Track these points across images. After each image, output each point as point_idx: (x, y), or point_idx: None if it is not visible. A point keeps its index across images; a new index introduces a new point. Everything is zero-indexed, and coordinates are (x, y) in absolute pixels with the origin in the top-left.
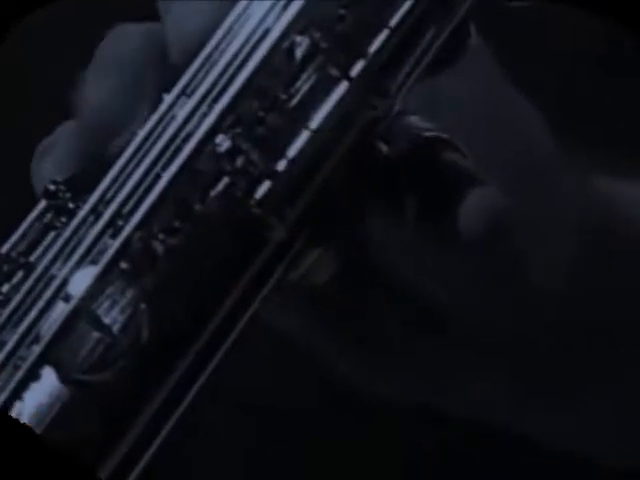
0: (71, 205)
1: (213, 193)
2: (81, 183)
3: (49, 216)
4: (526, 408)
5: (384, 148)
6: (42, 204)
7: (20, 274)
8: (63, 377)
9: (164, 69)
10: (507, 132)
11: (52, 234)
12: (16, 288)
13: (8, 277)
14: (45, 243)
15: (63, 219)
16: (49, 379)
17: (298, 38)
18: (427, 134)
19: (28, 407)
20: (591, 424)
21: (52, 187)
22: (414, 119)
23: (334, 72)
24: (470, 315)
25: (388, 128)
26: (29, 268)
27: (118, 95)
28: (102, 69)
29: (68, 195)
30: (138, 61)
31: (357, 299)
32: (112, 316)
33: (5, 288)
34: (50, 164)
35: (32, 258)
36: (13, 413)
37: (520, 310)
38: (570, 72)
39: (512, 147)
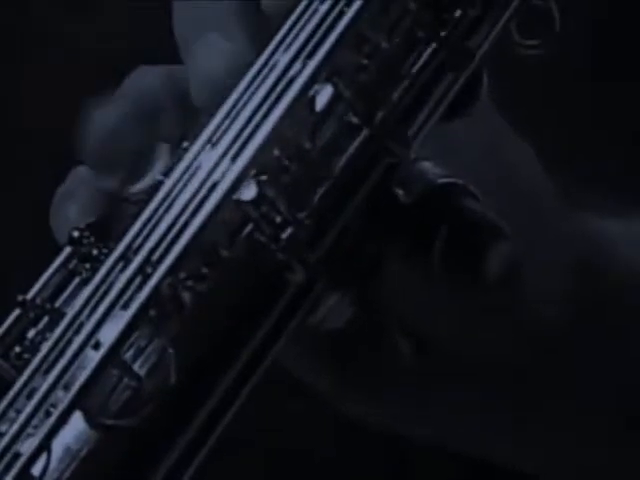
0: (95, 252)
1: (239, 239)
2: (104, 229)
3: (74, 262)
4: (518, 438)
5: (400, 193)
6: (66, 251)
7: (46, 320)
8: (91, 422)
9: (184, 112)
10: (512, 176)
11: (77, 280)
12: (42, 334)
13: (34, 323)
14: (70, 289)
15: (87, 265)
16: (77, 423)
17: (321, 87)
18: (441, 180)
19: (56, 451)
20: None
21: (76, 233)
22: (428, 165)
23: (355, 120)
24: (472, 350)
25: (405, 175)
26: (55, 314)
27: (129, 124)
28: (117, 100)
29: (92, 241)
30: (155, 97)
31: (369, 345)
32: (140, 361)
33: (31, 334)
34: (72, 210)
35: (57, 304)
36: (42, 457)
37: (520, 341)
38: (561, 111)
39: (517, 189)
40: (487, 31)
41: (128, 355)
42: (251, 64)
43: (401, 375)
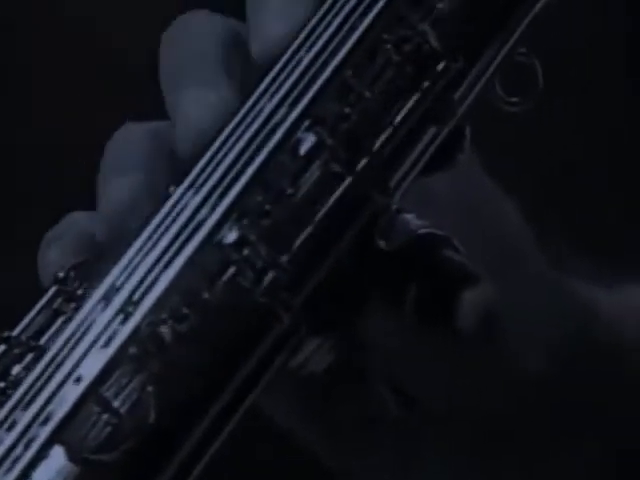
0: (80, 292)
1: (221, 282)
2: (89, 270)
3: (59, 301)
4: None
5: (383, 243)
6: (52, 290)
7: (30, 357)
8: (72, 456)
9: (173, 164)
10: (494, 229)
11: (61, 319)
12: (27, 370)
13: (19, 359)
14: (55, 327)
15: (72, 305)
16: (58, 458)
17: (304, 134)
18: (423, 231)
19: None
20: None
21: (62, 273)
22: (410, 216)
23: (338, 168)
24: (456, 404)
25: (386, 225)
26: (40, 351)
27: (137, 193)
28: (118, 169)
29: (77, 281)
30: (150, 160)
31: (349, 392)
32: (120, 398)
33: (16, 370)
34: (58, 251)
35: (42, 341)
36: None
37: (508, 394)
38: (551, 176)
39: (499, 243)
40: (470, 85)
41: (109, 392)
42: (236, 111)
43: (384, 431)
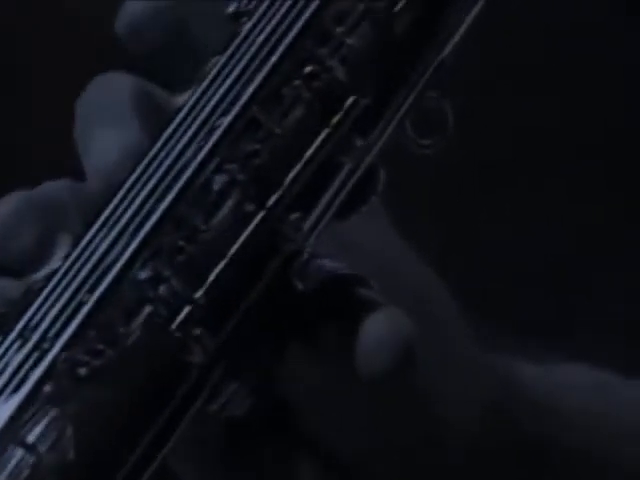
0: None
1: (136, 318)
2: (5, 319)
3: None
4: None
5: (300, 285)
6: None
7: None
8: None
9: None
10: (410, 283)
11: None
12: None
13: None
14: None
15: None
16: None
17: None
18: (339, 271)
19: None
20: None
21: None
22: (325, 260)
23: (250, 205)
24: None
25: (302, 266)
26: None
27: (26, 220)
28: (105, 119)
29: None
30: (56, 194)
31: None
32: (38, 436)
33: None
34: None
35: None
36: None
37: (429, 446)
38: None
39: (414, 298)
40: (382, 126)
41: (27, 429)
42: (147, 150)
43: None
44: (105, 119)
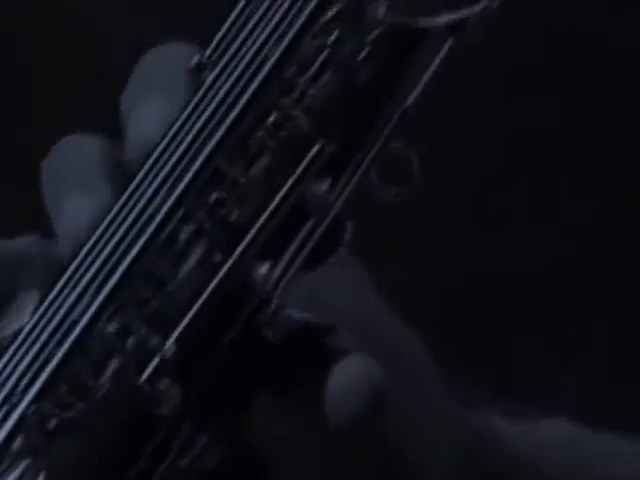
0: None
1: (105, 371)
2: None
3: None
4: None
5: (269, 335)
6: None
7: None
8: None
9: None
10: (382, 336)
11: None
12: None
13: None
14: None
15: None
16: None
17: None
18: (308, 321)
19: None
20: None
21: None
22: (294, 311)
23: (217, 254)
24: None
25: (270, 317)
26: None
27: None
28: (76, 185)
29: None
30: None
31: None
32: None
33: None
34: None
35: None
36: None
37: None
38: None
39: (387, 352)
40: (348, 175)
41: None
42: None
43: None
44: (75, 185)
